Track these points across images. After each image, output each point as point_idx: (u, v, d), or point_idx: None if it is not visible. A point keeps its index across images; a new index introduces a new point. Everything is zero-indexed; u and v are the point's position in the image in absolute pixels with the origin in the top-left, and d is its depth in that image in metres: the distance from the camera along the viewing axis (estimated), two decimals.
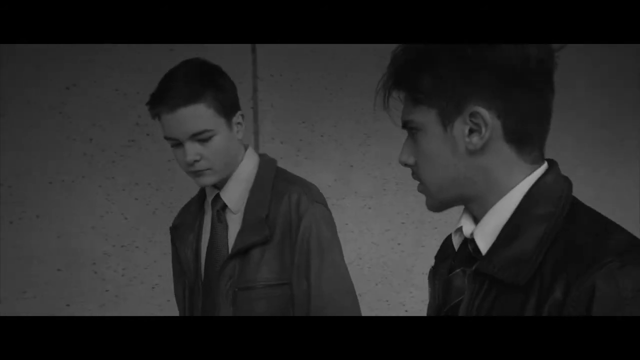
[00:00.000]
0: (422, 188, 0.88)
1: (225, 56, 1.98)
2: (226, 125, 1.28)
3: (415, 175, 0.88)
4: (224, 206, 1.35)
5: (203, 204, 1.42)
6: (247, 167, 1.36)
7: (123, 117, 1.85)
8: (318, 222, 1.32)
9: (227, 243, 1.33)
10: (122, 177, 1.85)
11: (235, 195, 1.34)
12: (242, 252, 1.29)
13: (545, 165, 0.83)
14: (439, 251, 0.98)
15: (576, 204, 0.80)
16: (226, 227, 1.35)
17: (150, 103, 1.26)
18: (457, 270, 0.87)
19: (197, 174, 1.27)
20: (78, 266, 1.81)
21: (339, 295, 1.31)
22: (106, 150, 1.84)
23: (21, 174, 1.74)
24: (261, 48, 2.05)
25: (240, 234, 1.31)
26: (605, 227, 0.76)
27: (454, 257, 0.90)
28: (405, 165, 0.88)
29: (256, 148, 2.06)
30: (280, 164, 2.06)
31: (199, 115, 1.24)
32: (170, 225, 1.46)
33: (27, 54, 1.73)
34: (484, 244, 0.82)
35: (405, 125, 0.86)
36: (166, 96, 1.23)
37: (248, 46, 2.03)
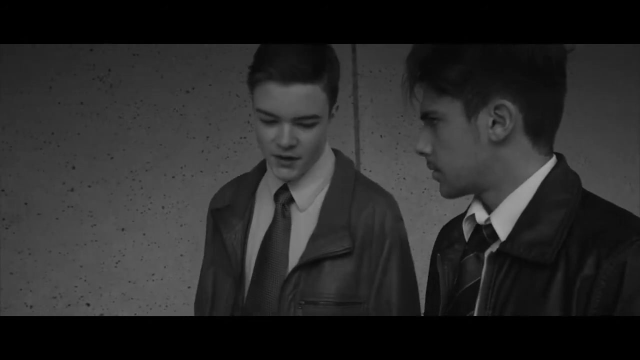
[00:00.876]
0: (438, 175, 0.92)
1: None
2: (328, 114, 1.16)
3: (431, 164, 0.92)
4: (290, 200, 1.22)
5: (255, 191, 1.29)
6: (326, 164, 1.24)
7: (235, 116, 2.03)
8: (403, 242, 1.22)
9: (289, 241, 1.20)
10: (235, 171, 2.02)
11: (307, 191, 1.22)
12: (312, 260, 1.15)
13: (554, 158, 0.89)
14: (441, 239, 1.04)
15: (587, 193, 0.86)
16: (290, 223, 1.21)
17: (258, 68, 1.11)
18: (470, 255, 0.92)
19: (283, 162, 1.14)
20: (200, 252, 2.01)
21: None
22: (220, 147, 2.02)
23: (149, 169, 1.96)
24: (361, 47, 2.14)
25: (315, 239, 1.16)
26: (621, 212, 0.82)
27: (467, 243, 0.94)
28: (421, 153, 0.93)
29: (357, 142, 2.16)
30: (380, 157, 2.17)
31: (313, 97, 1.10)
32: (210, 207, 1.34)
33: (151, 62, 1.95)
34: (502, 229, 0.87)
35: (427, 115, 0.90)
36: (283, 66, 1.07)
37: (348, 45, 2.13)
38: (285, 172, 1.15)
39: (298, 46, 1.10)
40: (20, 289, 1.85)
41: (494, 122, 0.84)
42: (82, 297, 1.90)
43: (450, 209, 2.24)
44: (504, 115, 0.83)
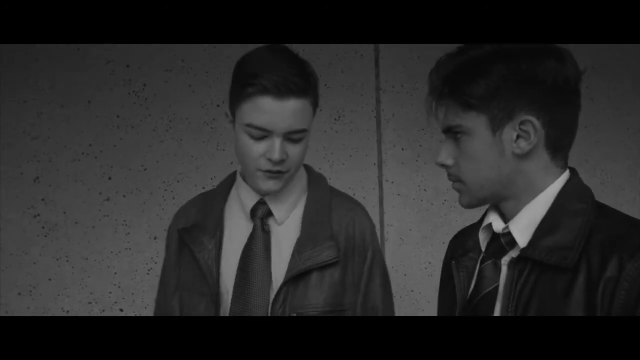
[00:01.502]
0: (459, 186, 0.97)
1: (350, 71, 2.18)
2: (309, 128, 1.16)
3: (452, 175, 0.97)
4: (267, 215, 1.21)
5: (224, 207, 1.26)
6: (300, 178, 1.25)
7: None
8: (380, 250, 1.28)
9: (270, 256, 1.19)
10: None
11: (285, 205, 1.22)
12: (301, 272, 1.16)
13: (568, 171, 0.95)
14: (455, 247, 1.08)
15: (600, 203, 0.93)
16: (269, 238, 1.20)
17: (248, 82, 1.08)
18: (488, 262, 0.96)
19: (272, 175, 1.13)
20: None
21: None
22: None
23: (180, 179, 2.04)
24: (383, 62, 2.22)
25: (300, 251, 1.17)
26: (635, 220, 0.89)
27: (485, 251, 0.99)
28: (442, 165, 0.97)
29: (379, 154, 2.22)
30: (402, 169, 2.23)
31: (303, 111, 1.11)
32: (174, 227, 1.30)
33: (183, 77, 2.03)
34: (520, 236, 0.92)
35: (450, 129, 0.94)
36: (278, 79, 1.06)
37: (372, 60, 2.21)
38: (271, 185, 1.14)
39: (285, 60, 1.10)
40: (58, 295, 1.92)
41: (517, 137, 0.89)
42: (115, 302, 1.98)
43: (469, 219, 2.30)
44: (528, 131, 0.88)
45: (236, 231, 1.23)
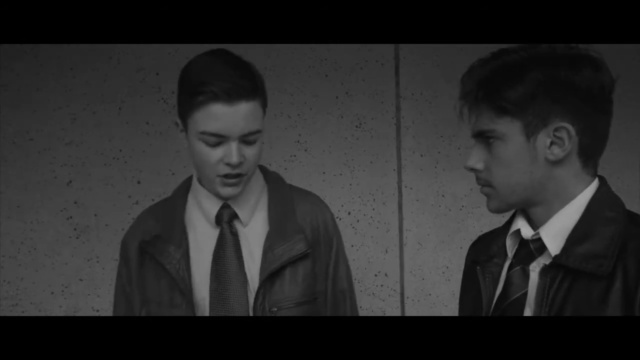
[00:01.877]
0: (489, 191, 0.97)
1: (371, 79, 2.23)
2: (263, 128, 1.17)
3: (482, 180, 0.97)
4: (233, 218, 1.23)
5: (184, 216, 1.26)
6: (258, 179, 1.28)
7: (286, 135, 2.16)
8: (341, 237, 1.33)
9: (242, 257, 1.21)
10: None
11: (248, 206, 1.24)
12: (277, 269, 1.20)
13: (598, 179, 0.96)
14: (478, 253, 1.08)
15: (631, 212, 0.94)
16: (238, 240, 1.22)
17: (196, 91, 1.09)
18: (516, 268, 0.96)
19: (230, 181, 1.15)
20: None
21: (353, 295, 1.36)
22: (272, 164, 2.15)
23: None
24: (403, 70, 2.27)
25: (272, 249, 1.20)
26: None
27: (513, 257, 0.99)
28: (472, 170, 0.97)
29: (398, 160, 2.27)
30: (421, 175, 2.28)
31: (256, 113, 1.13)
32: (133, 242, 1.27)
33: None
34: (552, 243, 0.92)
35: (482, 133, 0.93)
36: (226, 85, 1.08)
37: (392, 69, 2.26)
38: (231, 190, 1.16)
39: (230, 64, 1.12)
40: (88, 294, 1.99)
41: (551, 143, 0.89)
42: None
43: (487, 225, 2.34)
44: (563, 137, 0.88)
45: (201, 238, 1.23)
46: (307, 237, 1.25)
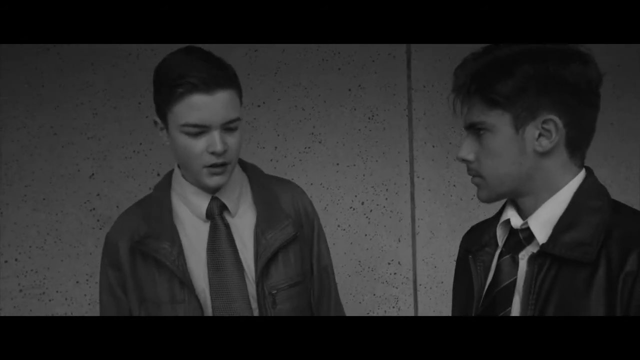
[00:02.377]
0: (479, 181, 0.99)
1: (383, 72, 2.28)
2: (241, 117, 1.21)
3: (473, 170, 0.99)
4: (222, 210, 1.26)
5: (171, 212, 1.27)
6: (237, 170, 1.31)
7: (301, 127, 2.21)
8: (318, 217, 1.40)
9: (235, 246, 1.24)
10: (300, 178, 2.20)
11: (234, 197, 1.28)
12: (272, 254, 1.24)
13: (584, 170, 0.99)
14: (470, 242, 1.10)
15: (615, 201, 0.97)
16: (230, 231, 1.25)
17: (175, 84, 1.11)
18: (506, 256, 0.99)
19: (216, 170, 1.17)
20: None
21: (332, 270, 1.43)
22: (287, 156, 2.21)
23: None
24: (415, 63, 2.31)
25: (263, 235, 1.25)
26: None
27: (503, 246, 1.02)
28: (463, 160, 0.99)
29: (410, 151, 2.32)
30: (432, 165, 2.33)
31: (233, 101, 1.16)
32: (124, 244, 1.27)
33: None
34: (540, 232, 0.95)
35: (474, 125, 0.96)
36: (203, 75, 1.11)
37: (404, 62, 2.30)
38: (218, 179, 1.18)
39: (203, 57, 1.15)
40: None
41: (539, 135, 0.92)
42: None
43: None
44: (550, 129, 0.91)
45: (192, 232, 1.25)
46: (294, 221, 1.30)
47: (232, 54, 2.12)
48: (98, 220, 2.05)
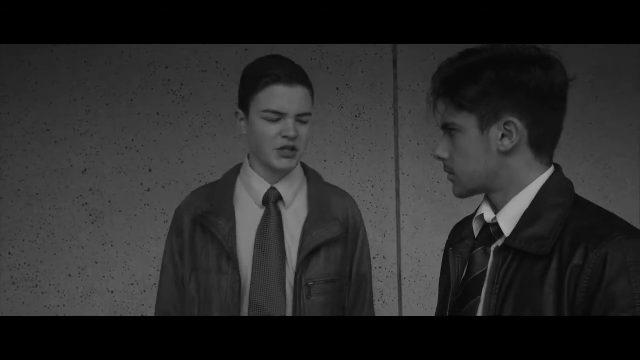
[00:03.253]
0: (453, 178, 1.05)
1: (370, 71, 2.33)
2: (312, 113, 1.34)
3: (447, 168, 1.05)
4: (277, 199, 1.38)
5: (233, 196, 1.41)
6: (299, 169, 1.44)
7: None
8: (365, 228, 1.50)
9: (283, 235, 1.36)
10: None
11: (291, 191, 1.40)
12: (315, 248, 1.35)
13: (553, 167, 1.03)
14: (453, 235, 1.17)
15: (578, 197, 1.02)
16: (281, 220, 1.37)
17: (263, 74, 1.29)
18: (479, 249, 1.05)
19: (287, 153, 1.30)
20: None
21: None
22: None
23: (214, 172, 2.19)
24: (401, 63, 2.37)
25: (311, 230, 1.36)
26: (606, 213, 0.97)
27: (476, 239, 1.08)
28: (439, 158, 1.05)
29: (396, 149, 2.38)
30: (417, 162, 2.39)
31: (307, 98, 1.32)
32: (188, 216, 1.41)
33: (217, 77, 2.20)
34: (506, 226, 1.01)
35: (446, 126, 1.03)
36: (287, 70, 1.29)
37: (390, 62, 2.36)
38: (287, 162, 1.31)
39: (287, 60, 1.33)
40: (104, 276, 2.11)
41: (502, 136, 0.97)
42: (154, 284, 2.15)
43: None
44: (512, 130, 0.96)
45: (247, 215, 1.38)
46: (341, 224, 1.41)
47: (222, 52, 2.18)
48: (90, 215, 2.09)
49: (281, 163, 1.31)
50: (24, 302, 2.04)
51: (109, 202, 2.10)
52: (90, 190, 2.09)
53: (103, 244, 2.11)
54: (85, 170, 2.08)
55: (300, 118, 1.30)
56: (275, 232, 1.36)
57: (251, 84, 1.31)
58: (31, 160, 2.03)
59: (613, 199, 2.61)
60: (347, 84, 2.31)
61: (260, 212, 1.39)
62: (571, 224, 0.95)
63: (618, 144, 2.66)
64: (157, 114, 2.14)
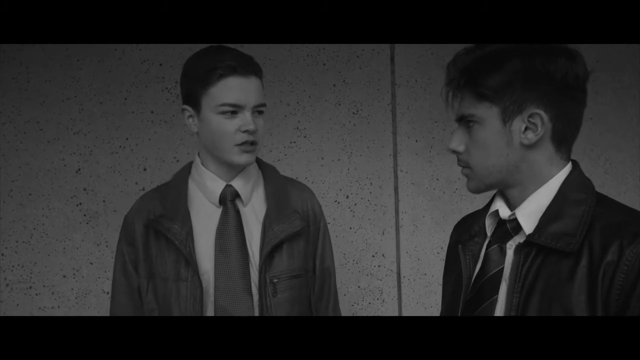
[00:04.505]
0: (468, 172, 1.03)
1: (367, 67, 2.31)
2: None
3: (462, 162, 1.03)
4: (234, 197, 1.34)
5: (186, 197, 1.35)
6: (254, 166, 1.41)
7: (286, 123, 2.24)
8: (325, 220, 1.47)
9: (243, 233, 1.31)
10: (285, 172, 2.22)
11: (248, 188, 1.36)
12: (277, 244, 1.31)
13: (571, 163, 1.01)
14: (461, 232, 1.13)
15: (600, 194, 0.99)
16: (240, 218, 1.33)
17: (216, 66, 1.23)
18: (494, 246, 1.02)
19: (247, 148, 1.26)
20: None
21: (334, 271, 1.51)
22: (273, 150, 2.24)
23: None
24: (398, 59, 2.34)
25: (271, 226, 1.32)
26: (633, 210, 0.95)
27: (491, 236, 1.05)
28: (454, 152, 1.02)
29: (394, 145, 2.36)
30: (416, 159, 2.37)
31: (261, 88, 1.29)
32: (139, 222, 1.36)
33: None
34: (526, 223, 0.98)
35: (464, 117, 0.99)
36: (241, 61, 1.24)
37: (387, 58, 2.34)
38: (248, 157, 1.27)
39: (235, 51, 1.27)
40: (99, 277, 2.08)
41: (526, 128, 0.95)
42: None
43: (479, 207, 2.43)
44: (536, 123, 0.94)
45: (203, 216, 1.33)
46: (301, 217, 1.38)
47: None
48: (84, 215, 2.06)
49: (242, 158, 1.27)
50: (17, 304, 2.02)
51: (104, 201, 2.08)
52: (84, 190, 2.06)
53: (98, 245, 2.08)
54: (79, 169, 2.05)
55: (257, 109, 1.27)
56: (235, 231, 1.31)
57: (201, 77, 1.25)
58: (24, 160, 2.00)
59: (614, 194, 2.59)
60: (344, 81, 2.29)
61: (217, 212, 1.34)
62: (598, 221, 0.93)
63: (619, 139, 2.64)
64: (152, 112, 2.11)
